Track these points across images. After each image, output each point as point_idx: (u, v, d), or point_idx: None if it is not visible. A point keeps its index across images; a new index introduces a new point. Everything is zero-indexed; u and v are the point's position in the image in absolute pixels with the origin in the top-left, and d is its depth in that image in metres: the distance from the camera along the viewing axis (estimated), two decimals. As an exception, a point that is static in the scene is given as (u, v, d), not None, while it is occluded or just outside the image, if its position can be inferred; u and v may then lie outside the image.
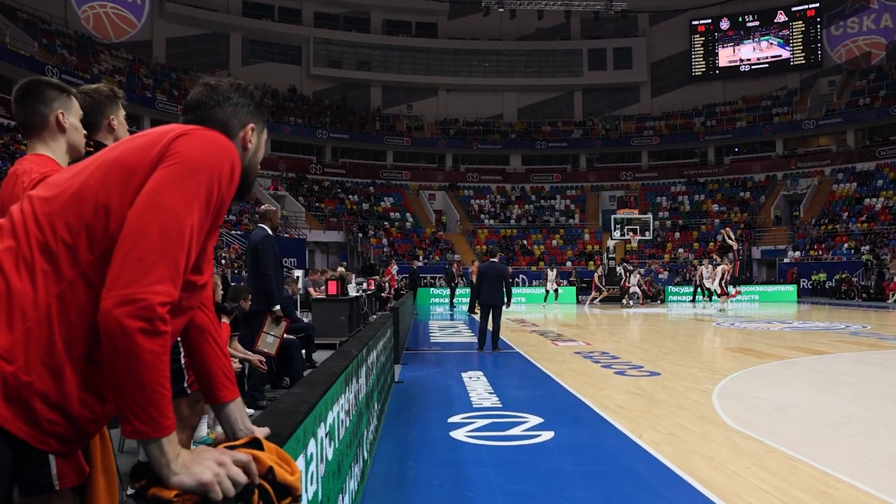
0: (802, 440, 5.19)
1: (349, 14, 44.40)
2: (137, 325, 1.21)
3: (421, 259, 33.28)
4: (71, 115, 2.25)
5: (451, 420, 6.12)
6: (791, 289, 28.78)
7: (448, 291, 27.17)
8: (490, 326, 11.59)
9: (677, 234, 38.91)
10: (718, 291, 21.74)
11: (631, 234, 28.63)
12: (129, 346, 1.21)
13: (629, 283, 25.98)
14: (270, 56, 43.05)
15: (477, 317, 19.87)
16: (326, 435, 2.33)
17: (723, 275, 21.72)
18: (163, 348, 1.25)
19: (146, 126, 35.28)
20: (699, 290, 25.07)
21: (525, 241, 39.39)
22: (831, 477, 4.21)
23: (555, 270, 27.32)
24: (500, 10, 38.72)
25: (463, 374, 8.83)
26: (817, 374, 8.77)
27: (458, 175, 44.58)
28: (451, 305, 26.12)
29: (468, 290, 24.29)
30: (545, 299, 26.66)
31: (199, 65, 40.18)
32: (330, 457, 2.44)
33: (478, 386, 7.97)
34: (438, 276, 31.63)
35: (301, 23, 42.95)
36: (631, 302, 25.58)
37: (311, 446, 2.00)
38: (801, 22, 43.81)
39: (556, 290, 26.59)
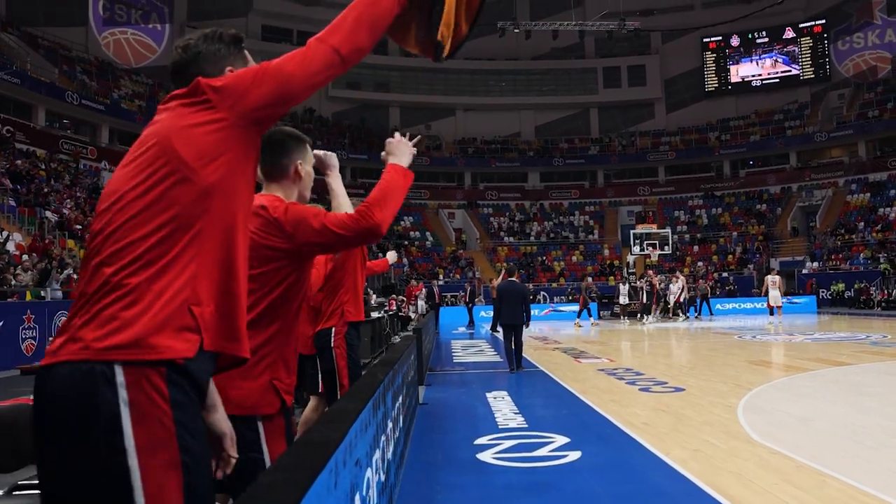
0: (830, 454, 5.22)
1: (368, 37, 44.96)
2: None
3: (441, 277, 33.35)
4: (307, 163, 2.48)
5: (477, 442, 6.12)
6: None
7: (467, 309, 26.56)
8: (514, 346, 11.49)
9: (696, 248, 38.81)
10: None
11: (650, 248, 28.63)
12: None
13: (669, 293, 25.22)
14: (290, 79, 43.45)
15: (499, 335, 19.92)
16: (356, 463, 2.33)
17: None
18: None
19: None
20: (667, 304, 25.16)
21: (545, 258, 39.42)
22: (860, 491, 4.23)
23: (627, 285, 26.19)
24: (516, 31, 39.03)
25: (487, 395, 8.82)
26: (841, 386, 8.76)
27: (477, 193, 44.78)
28: (471, 323, 25.71)
29: (488, 307, 24.14)
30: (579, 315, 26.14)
31: (220, 89, 40.84)
32: (366, 482, 2.48)
33: (503, 406, 7.97)
34: (459, 293, 31.40)
35: (319, 46, 43.34)
36: (686, 315, 25.23)
37: (344, 476, 2.00)
38: (808, 38, 44.17)
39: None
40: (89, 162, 30.83)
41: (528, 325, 11.46)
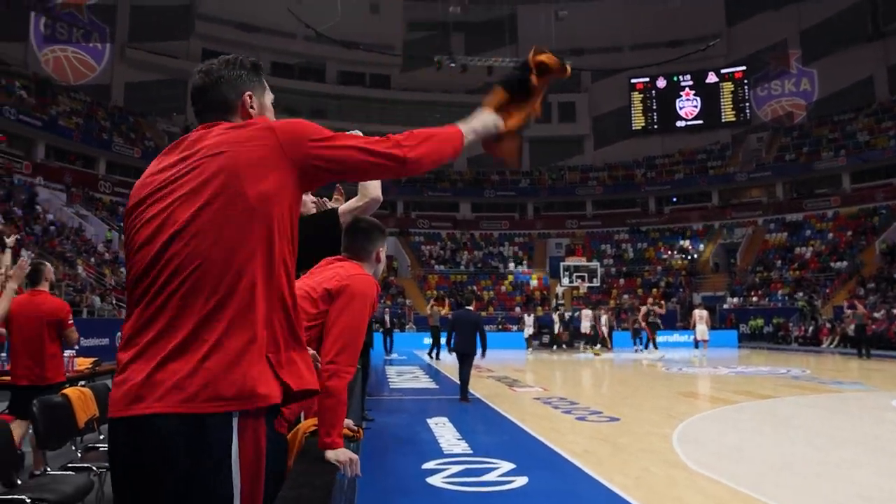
0: (763, 482, 5.48)
1: (305, 65, 45.04)
2: None
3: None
4: (384, 251, 2.88)
5: (425, 466, 6.26)
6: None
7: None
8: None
9: (622, 281, 39.87)
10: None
11: (579, 280, 29.33)
12: None
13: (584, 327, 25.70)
14: (227, 102, 43.11)
15: (435, 362, 19.97)
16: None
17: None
18: None
19: (101, 167, 35.23)
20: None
21: (475, 287, 39.80)
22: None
23: (532, 315, 27.02)
24: (452, 65, 39.75)
25: (428, 420, 8.93)
26: (766, 418, 9.17)
27: (409, 221, 44.99)
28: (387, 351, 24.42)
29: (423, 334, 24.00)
30: (528, 346, 26.29)
31: (158, 109, 40.36)
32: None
33: (445, 432, 8.09)
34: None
35: (258, 71, 43.20)
36: (596, 347, 25.01)
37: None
38: (730, 83, 46.33)
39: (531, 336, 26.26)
40: (24, 177, 30.41)
41: (483, 356, 11.23)
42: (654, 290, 37.51)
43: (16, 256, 10.89)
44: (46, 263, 5.92)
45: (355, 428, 2.79)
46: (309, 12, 39.60)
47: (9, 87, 32.34)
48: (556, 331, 27.33)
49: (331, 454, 2.31)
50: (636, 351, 24.01)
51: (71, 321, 5.69)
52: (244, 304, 1.52)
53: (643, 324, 23.03)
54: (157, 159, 1.74)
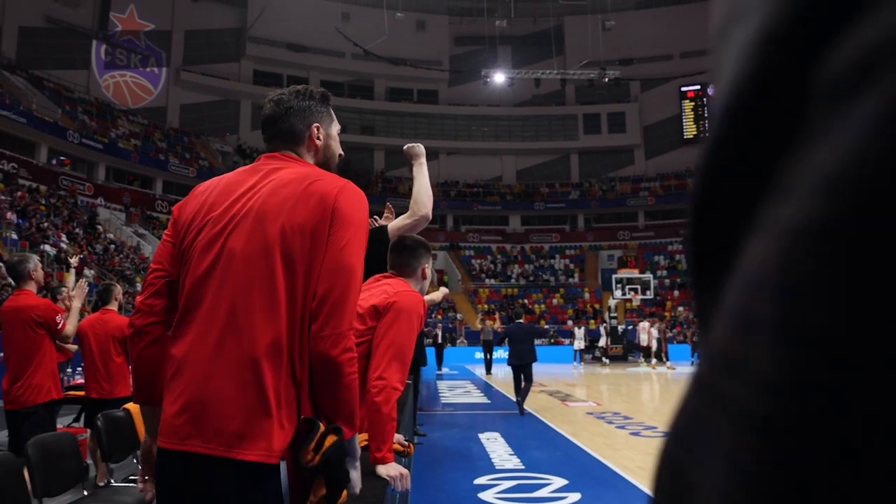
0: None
1: (354, 82, 45.76)
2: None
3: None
4: (430, 267, 2.95)
5: (476, 482, 6.24)
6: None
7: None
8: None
9: (676, 293, 39.21)
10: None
11: (632, 293, 28.95)
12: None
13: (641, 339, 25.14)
14: (279, 121, 44.24)
15: (488, 377, 19.98)
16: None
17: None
18: None
19: (158, 187, 36.34)
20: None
21: (526, 300, 39.64)
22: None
23: (583, 328, 26.50)
24: (499, 79, 39.90)
25: (480, 435, 8.92)
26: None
27: (459, 235, 45.10)
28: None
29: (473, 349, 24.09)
30: (575, 359, 25.79)
31: (211, 129, 41.56)
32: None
33: (497, 447, 8.07)
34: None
35: (308, 90, 44.17)
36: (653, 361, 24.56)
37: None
38: (786, 85, 45.31)
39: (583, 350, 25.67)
40: (86, 198, 31.80)
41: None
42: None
43: (79, 276, 11.35)
44: (116, 284, 6.37)
45: (406, 443, 2.81)
46: (357, 31, 40.26)
47: (72, 113, 33.83)
48: (601, 343, 26.81)
49: (381, 469, 2.35)
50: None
51: None
52: (301, 362, 1.64)
53: None
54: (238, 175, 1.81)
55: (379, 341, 2.51)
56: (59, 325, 5.02)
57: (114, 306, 6.10)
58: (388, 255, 2.88)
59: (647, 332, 24.97)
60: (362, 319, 2.53)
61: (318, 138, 1.88)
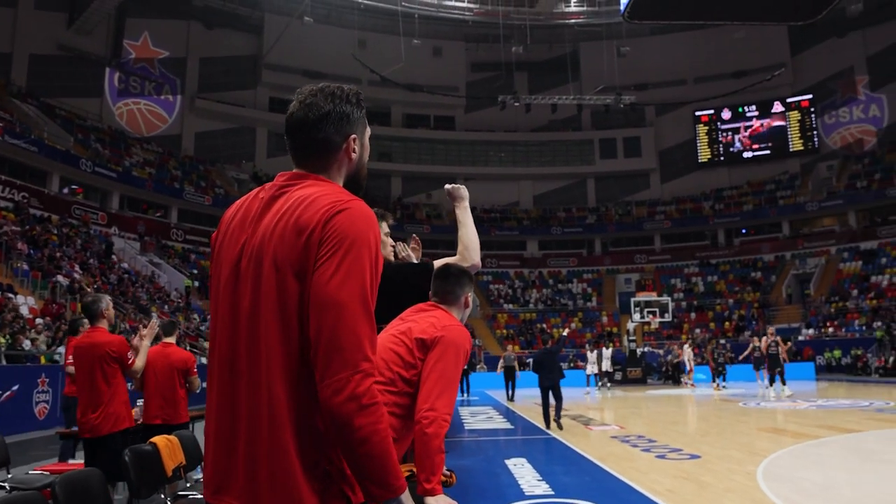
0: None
1: (371, 109, 45.94)
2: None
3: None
4: (472, 296, 2.98)
5: (507, 510, 6.32)
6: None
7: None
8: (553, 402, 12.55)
9: (693, 315, 39.16)
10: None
11: (650, 316, 28.99)
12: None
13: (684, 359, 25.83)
14: (295, 149, 44.46)
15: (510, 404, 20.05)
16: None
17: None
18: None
19: (173, 215, 36.42)
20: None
21: (544, 325, 39.64)
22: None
23: (595, 352, 25.50)
24: (516, 104, 40.24)
25: (507, 462, 8.87)
26: (854, 453, 8.90)
27: (477, 261, 45.19)
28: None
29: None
30: (588, 383, 24.96)
31: (227, 157, 41.76)
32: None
33: (524, 473, 8.00)
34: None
35: (324, 117, 44.44)
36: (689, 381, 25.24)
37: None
38: (796, 111, 45.59)
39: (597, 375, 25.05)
40: (99, 227, 31.36)
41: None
42: (726, 322, 36.67)
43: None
44: (177, 321, 6.88)
45: (448, 473, 2.84)
46: (373, 58, 40.74)
47: (85, 141, 33.50)
48: (605, 367, 26.06)
49: (431, 500, 2.35)
50: (766, 388, 20.44)
51: (195, 370, 6.55)
52: (319, 423, 1.53)
53: (764, 355, 19.70)
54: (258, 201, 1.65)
55: (428, 374, 2.53)
56: (130, 361, 5.43)
57: (172, 339, 6.63)
58: (432, 282, 2.88)
59: (688, 355, 25.37)
60: (410, 351, 2.59)
61: (354, 150, 1.66)
